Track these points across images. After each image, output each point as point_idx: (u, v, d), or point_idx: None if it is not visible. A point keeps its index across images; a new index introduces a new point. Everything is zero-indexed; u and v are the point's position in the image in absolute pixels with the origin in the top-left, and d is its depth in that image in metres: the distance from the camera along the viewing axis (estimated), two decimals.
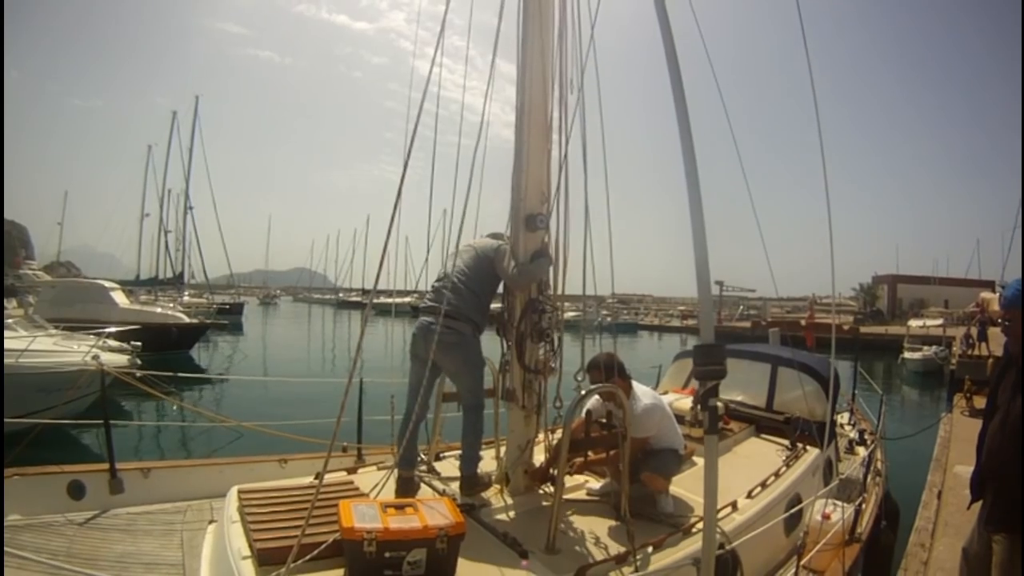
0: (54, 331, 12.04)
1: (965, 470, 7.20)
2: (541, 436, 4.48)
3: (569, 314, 4.35)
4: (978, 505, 3.43)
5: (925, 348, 24.10)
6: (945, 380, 20.05)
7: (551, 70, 4.17)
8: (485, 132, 4.20)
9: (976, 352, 19.50)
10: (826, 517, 4.30)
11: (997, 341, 20.00)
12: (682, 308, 69.62)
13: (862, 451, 6.73)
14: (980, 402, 11.75)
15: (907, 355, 24.36)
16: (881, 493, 5.66)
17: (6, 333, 10.45)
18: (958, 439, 9.49)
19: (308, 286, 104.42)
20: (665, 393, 6.22)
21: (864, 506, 5.03)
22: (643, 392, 4.31)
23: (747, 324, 39.67)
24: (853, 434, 7.20)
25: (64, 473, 4.61)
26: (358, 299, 77.86)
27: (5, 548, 3.35)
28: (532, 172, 4.11)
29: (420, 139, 3.08)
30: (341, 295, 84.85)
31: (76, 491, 4.60)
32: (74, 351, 10.50)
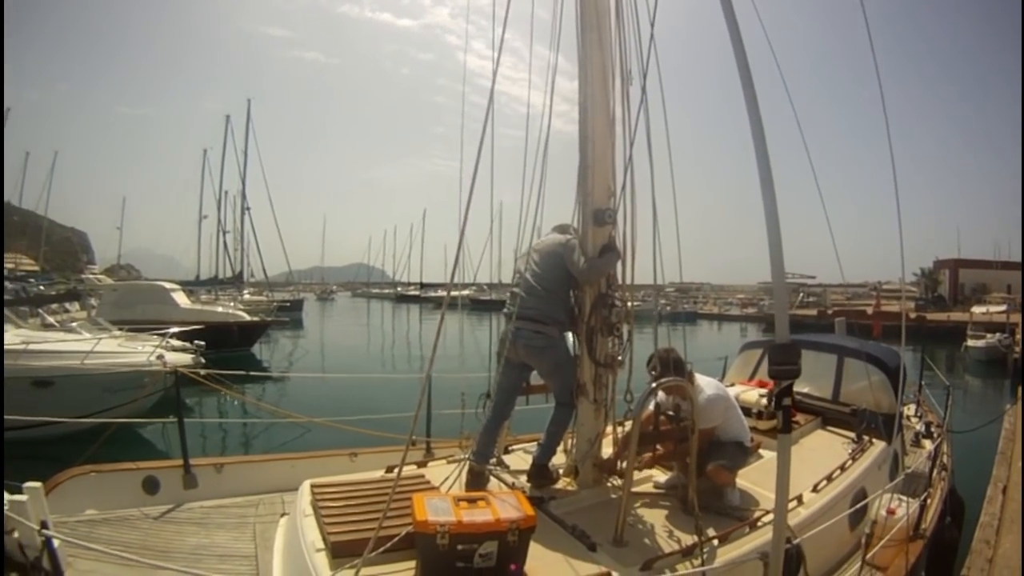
0: (118, 332, 12.39)
1: None
2: (609, 429, 4.49)
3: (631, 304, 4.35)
4: None
5: (988, 335, 23.22)
6: (1009, 369, 19.44)
7: (611, 63, 4.16)
8: (548, 128, 4.24)
9: None
10: (891, 512, 4.23)
11: None
12: (741, 296, 68.53)
13: (928, 444, 6.55)
14: None
15: (970, 343, 23.54)
16: (946, 488, 5.53)
17: (71, 336, 10.81)
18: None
19: (366, 281, 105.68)
20: (732, 385, 6.18)
21: (929, 501, 4.92)
22: (706, 383, 4.31)
23: (812, 312, 38.68)
24: (920, 426, 7.02)
25: (139, 469, 4.76)
26: (416, 292, 78.59)
27: (81, 542, 3.50)
28: (598, 167, 4.11)
29: (475, 133, 3.09)
30: (399, 289, 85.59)
31: (151, 486, 4.75)
32: (138, 351, 10.78)
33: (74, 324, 12.71)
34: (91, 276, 33.02)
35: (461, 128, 4.35)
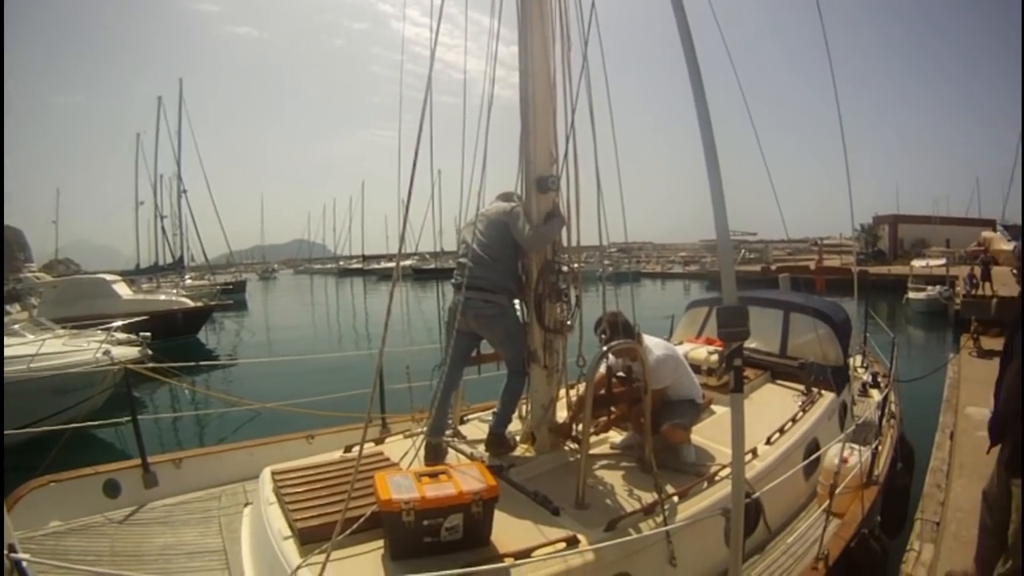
0: (61, 331, 11.97)
1: (977, 411, 7.31)
2: (563, 393, 4.55)
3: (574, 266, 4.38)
4: (996, 449, 3.51)
5: (929, 288, 23.90)
6: (950, 320, 20.03)
7: (552, 28, 4.13)
8: (492, 95, 4.20)
9: (980, 292, 19.39)
10: (844, 461, 4.35)
11: (1001, 281, 20.06)
12: (683, 254, 69.24)
13: (876, 394, 6.77)
14: (987, 343, 11.87)
15: (911, 295, 24.27)
16: (896, 435, 5.70)
17: (14, 340, 10.42)
18: (967, 380, 9.56)
19: (307, 257, 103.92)
20: (680, 343, 6.30)
21: (880, 449, 5.07)
22: (654, 343, 4.38)
23: (755, 268, 39.47)
24: (866, 377, 7.23)
25: (98, 474, 4.65)
26: (359, 266, 77.82)
27: (49, 561, 3.41)
28: (540, 134, 4.11)
29: (413, 102, 3.05)
30: (342, 263, 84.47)
31: (112, 490, 4.65)
32: (84, 349, 10.45)
33: (16, 327, 12.24)
34: (30, 275, 31.84)
35: (400, 98, 4.29)
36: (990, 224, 40.02)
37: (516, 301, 4.33)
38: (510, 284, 4.23)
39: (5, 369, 8.91)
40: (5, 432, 5.18)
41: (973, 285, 20.22)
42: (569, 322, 4.27)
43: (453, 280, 4.31)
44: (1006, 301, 16.12)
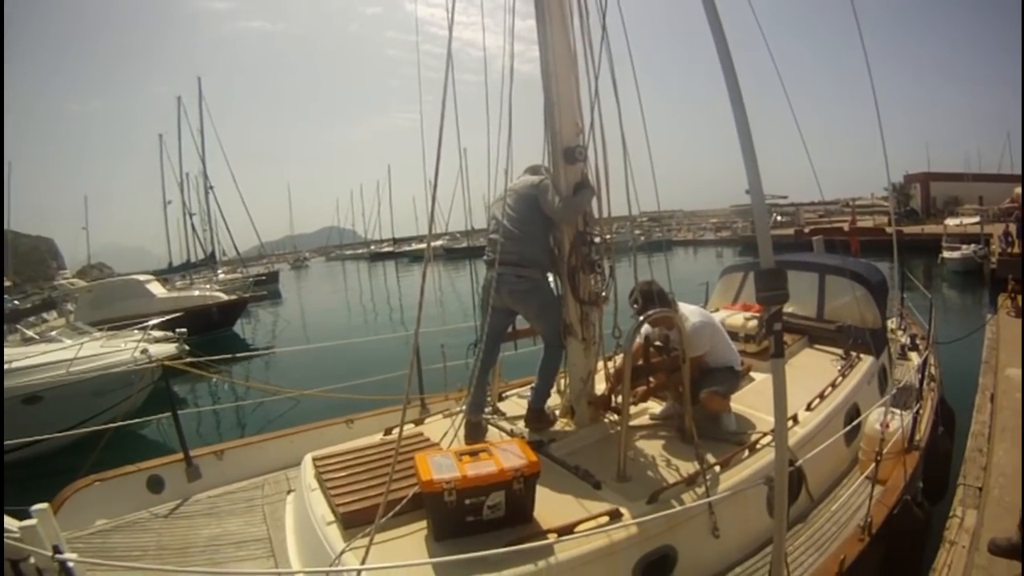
0: (99, 334, 12.19)
1: (1016, 373, 7.14)
2: (600, 366, 4.51)
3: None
4: None
5: (963, 247, 23.35)
6: (986, 279, 19.58)
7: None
8: (511, 69, 4.14)
9: (1016, 250, 18.89)
10: (885, 426, 4.27)
11: None
12: (714, 220, 68.63)
13: (914, 356, 6.64)
14: None
15: (946, 255, 23.74)
16: (936, 399, 5.58)
17: (53, 346, 10.62)
18: (1006, 341, 9.32)
19: (338, 243, 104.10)
20: (716, 311, 6.22)
21: (921, 413, 4.98)
22: (690, 311, 4.32)
23: (788, 231, 38.64)
24: (904, 339, 7.10)
25: (141, 471, 4.72)
26: (390, 248, 78.30)
27: (94, 559, 3.50)
28: (564, 105, 4.04)
29: (432, 83, 3.02)
30: (373, 247, 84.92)
31: (155, 485, 4.72)
32: (122, 349, 10.59)
33: (54, 333, 12.48)
34: (64, 281, 32.47)
35: (419, 79, 4.25)
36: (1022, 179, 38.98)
37: (549, 275, 4.29)
38: (543, 258, 4.19)
39: (44, 376, 9.13)
40: (49, 437, 5.32)
41: (1009, 243, 19.71)
42: (604, 293, 4.22)
43: (485, 257, 4.28)
44: None
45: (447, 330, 6.32)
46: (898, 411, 4.50)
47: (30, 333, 12.23)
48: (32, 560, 2.91)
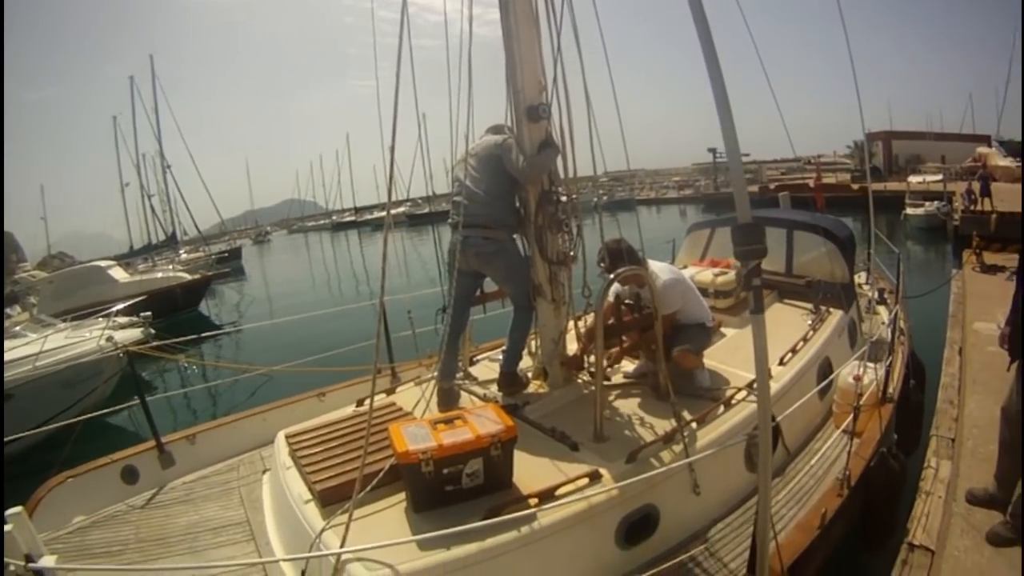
0: (63, 325, 11.89)
1: (985, 327, 7.28)
2: (570, 326, 4.47)
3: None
4: (1015, 366, 3.48)
5: (927, 204, 23.60)
6: (949, 236, 19.85)
7: None
8: (471, 31, 4.05)
9: (979, 208, 19.24)
10: (857, 379, 4.30)
11: (1000, 196, 19.94)
12: (676, 179, 69.01)
13: (883, 310, 6.70)
14: (990, 258, 11.83)
15: (909, 211, 23.98)
16: (907, 352, 5.63)
17: (17, 341, 10.33)
18: (973, 295, 9.47)
19: (300, 216, 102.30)
20: (684, 267, 6.20)
21: (893, 366, 5.00)
22: (660, 268, 4.28)
23: (753, 189, 38.74)
24: (872, 294, 7.18)
25: (114, 462, 4.60)
26: (352, 218, 77.25)
27: (75, 559, 3.49)
28: (526, 62, 3.94)
29: (390, 48, 2.92)
30: (335, 218, 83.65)
31: (130, 476, 4.61)
32: (88, 338, 10.31)
33: (18, 328, 12.12)
34: (24, 274, 31.67)
35: (374, 46, 4.15)
36: (985, 140, 39.69)
37: (516, 236, 4.22)
38: (509, 218, 4.10)
39: (11, 373, 8.85)
40: (17, 437, 5.18)
41: (972, 201, 20.06)
42: (572, 252, 4.17)
43: (449, 220, 4.19)
44: (1006, 217, 16.01)
45: (413, 296, 6.23)
46: (871, 365, 4.53)
47: None
48: (12, 567, 2.83)
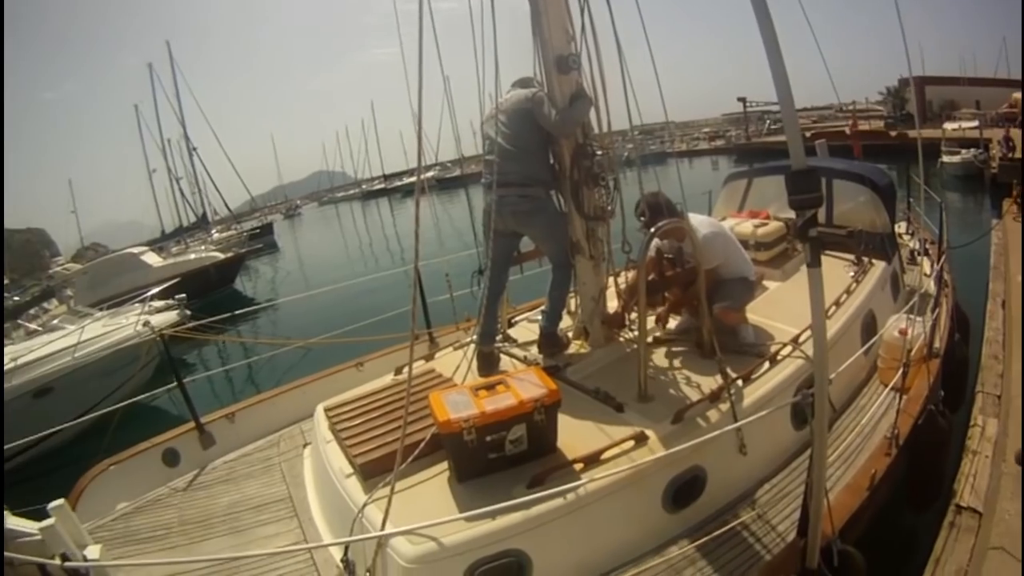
0: (100, 313, 12.07)
1: None
2: (610, 283, 4.36)
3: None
4: None
5: (963, 151, 22.96)
6: (986, 184, 19.43)
7: None
8: None
9: (1017, 155, 18.59)
10: (903, 333, 4.12)
11: None
12: (707, 130, 67.70)
13: (924, 262, 6.50)
14: None
15: (945, 159, 23.27)
16: (951, 305, 5.40)
17: (56, 335, 10.49)
18: (1015, 245, 9.15)
19: (329, 187, 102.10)
20: (723, 219, 6.02)
21: (939, 320, 4.81)
22: (700, 221, 4.14)
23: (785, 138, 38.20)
24: (914, 244, 6.97)
25: (155, 446, 4.63)
26: (382, 186, 77.30)
27: (121, 546, 3.53)
28: (552, 11, 3.76)
29: (410, 14, 2.82)
30: (364, 187, 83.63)
31: (171, 459, 4.64)
32: (124, 325, 10.46)
33: (56, 321, 12.32)
34: (59, 268, 32.26)
35: (395, 9, 4.07)
36: (1020, 85, 38.25)
37: (552, 192, 4.09)
38: (544, 175, 3.96)
39: (50, 366, 9.06)
40: (57, 429, 5.30)
41: (1010, 148, 19.43)
42: (609, 207, 4.03)
43: (483, 180, 4.07)
44: None
45: (449, 259, 6.14)
46: (916, 318, 4.36)
47: (33, 326, 12.09)
48: (57, 560, 2.85)
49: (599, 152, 3.95)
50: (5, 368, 8.65)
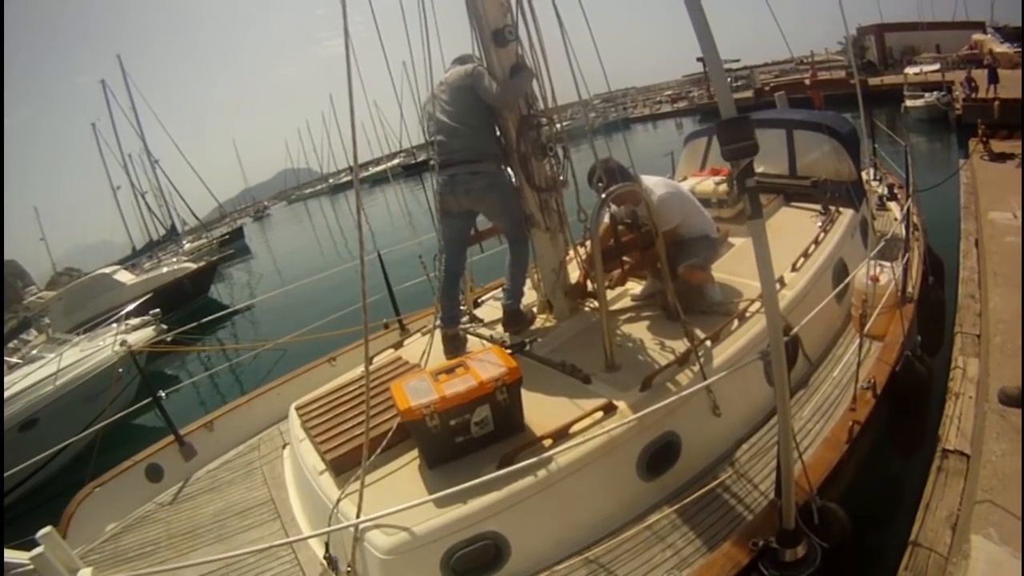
0: (76, 338, 11.92)
1: (1000, 216, 6.99)
2: (571, 253, 4.30)
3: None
4: None
5: (926, 95, 23.09)
6: (952, 126, 19.56)
7: None
8: None
9: (985, 95, 18.70)
10: (875, 279, 4.08)
11: (1002, 83, 19.37)
12: (669, 93, 66.97)
13: (894, 206, 6.49)
14: (998, 146, 11.34)
15: (909, 103, 23.36)
16: (923, 248, 5.38)
17: (35, 366, 10.34)
18: (984, 184, 9.07)
19: (296, 184, 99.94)
20: (684, 179, 5.99)
21: (910, 263, 4.79)
22: (654, 183, 4.06)
23: (748, 94, 37.56)
24: (881, 190, 6.94)
25: (137, 464, 4.58)
26: (348, 178, 75.78)
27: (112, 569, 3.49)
28: None
29: (359, 3, 2.73)
30: (331, 180, 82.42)
31: (154, 474, 4.59)
32: (102, 347, 10.28)
33: (34, 351, 12.15)
34: (33, 298, 31.93)
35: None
36: (979, 27, 38.44)
37: (504, 166, 4.00)
38: (493, 148, 3.87)
39: (33, 396, 8.94)
40: (40, 457, 5.23)
41: (972, 89, 19.58)
42: (562, 177, 3.97)
43: (431, 161, 3.99)
44: (1009, 103, 15.52)
45: (423, 240, 6.04)
46: (887, 263, 4.35)
47: (13, 360, 11.90)
48: None
49: (544, 123, 3.87)
50: None
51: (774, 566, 2.55)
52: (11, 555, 3.26)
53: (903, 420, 3.83)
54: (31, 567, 3.01)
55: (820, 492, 2.76)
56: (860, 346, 3.52)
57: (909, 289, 4.49)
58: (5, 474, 5.16)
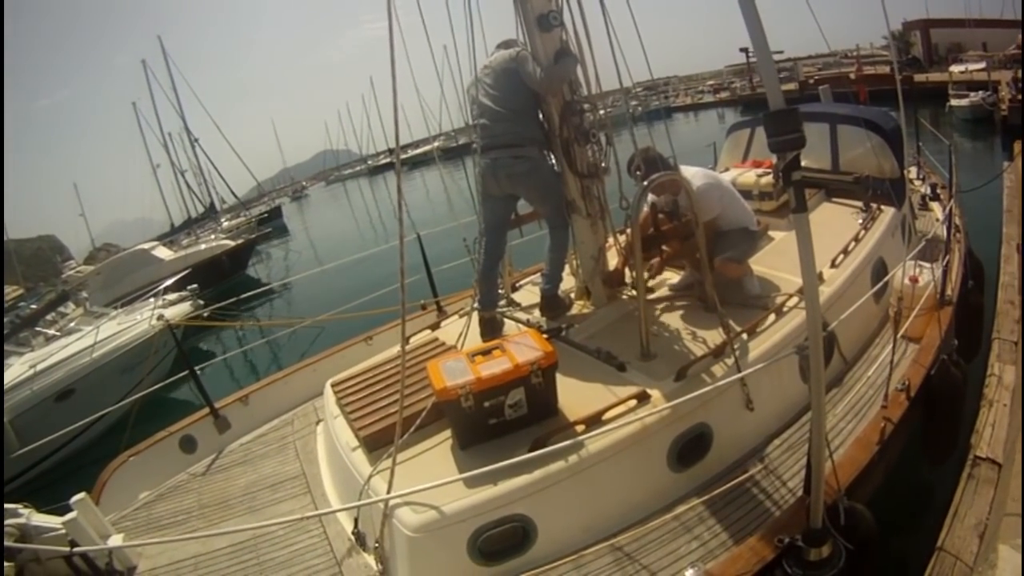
0: (113, 312, 12.15)
1: None
2: (611, 241, 4.30)
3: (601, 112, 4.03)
4: None
5: (971, 94, 22.43)
6: (996, 126, 19.01)
7: None
8: None
9: None
10: (914, 280, 4.01)
11: None
12: (711, 83, 65.48)
13: (936, 206, 6.35)
14: None
15: (954, 102, 22.72)
16: (964, 250, 5.26)
17: (72, 338, 10.57)
18: None
19: (335, 166, 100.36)
20: (726, 170, 5.91)
21: (950, 265, 4.69)
22: (694, 173, 4.01)
23: (791, 86, 36.60)
24: (924, 189, 6.79)
25: (172, 435, 4.68)
26: (387, 160, 75.40)
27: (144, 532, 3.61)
28: None
29: None
30: (370, 162, 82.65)
31: (188, 445, 4.68)
32: (139, 321, 10.57)
33: (72, 324, 12.43)
34: (72, 272, 32.55)
35: None
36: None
37: (546, 151, 4.00)
38: (536, 133, 3.88)
39: (69, 368, 9.21)
40: (77, 426, 5.41)
41: (1019, 89, 18.96)
42: (603, 164, 3.95)
43: (474, 144, 4.00)
44: None
45: (464, 223, 6.06)
46: (927, 264, 4.26)
47: (51, 332, 12.21)
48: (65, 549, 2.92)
49: (587, 109, 3.85)
50: (25, 375, 8.88)
51: (798, 564, 2.54)
52: (43, 519, 3.40)
53: (935, 424, 3.74)
54: (63, 531, 3.12)
55: (848, 493, 2.74)
56: (895, 347, 3.47)
57: (948, 291, 4.39)
58: (40, 441, 5.46)
